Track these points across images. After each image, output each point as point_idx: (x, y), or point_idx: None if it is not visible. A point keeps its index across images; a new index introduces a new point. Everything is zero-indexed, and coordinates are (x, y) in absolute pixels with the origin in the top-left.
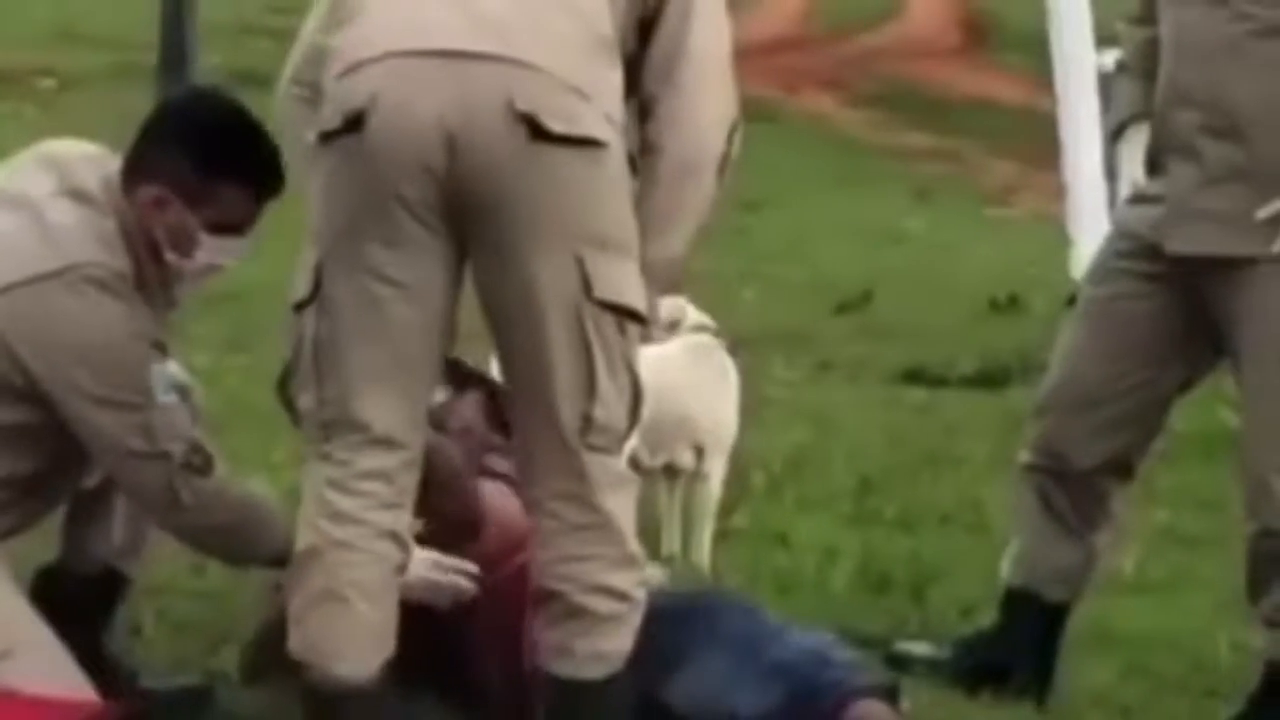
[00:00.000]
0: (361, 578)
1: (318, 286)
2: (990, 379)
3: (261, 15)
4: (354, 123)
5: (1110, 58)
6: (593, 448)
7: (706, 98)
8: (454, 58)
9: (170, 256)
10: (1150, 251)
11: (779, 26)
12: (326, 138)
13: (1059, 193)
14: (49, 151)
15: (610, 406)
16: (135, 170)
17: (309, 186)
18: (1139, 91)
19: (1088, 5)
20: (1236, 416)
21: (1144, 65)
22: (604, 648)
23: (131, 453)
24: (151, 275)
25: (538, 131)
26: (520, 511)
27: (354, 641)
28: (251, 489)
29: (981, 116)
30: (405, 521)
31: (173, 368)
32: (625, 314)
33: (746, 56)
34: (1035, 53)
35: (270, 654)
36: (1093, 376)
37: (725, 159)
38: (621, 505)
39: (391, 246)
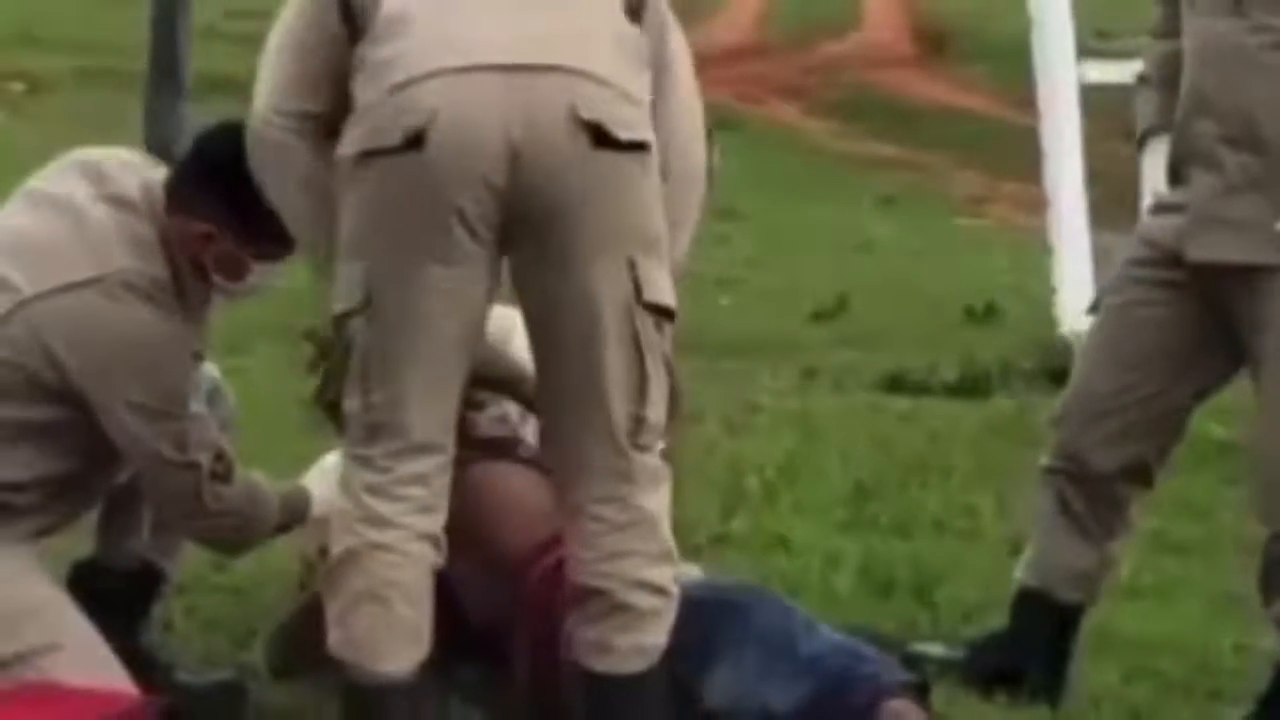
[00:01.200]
0: (401, 578)
1: (368, 298)
2: (972, 388)
3: (220, 20)
4: (414, 140)
5: (1091, 70)
6: (640, 448)
7: (692, 108)
8: (513, 71)
9: (218, 279)
10: (1170, 260)
11: (737, 35)
12: (378, 154)
13: (1025, 203)
14: (87, 157)
15: (657, 406)
16: (181, 207)
17: (310, 205)
18: (1160, 103)
19: (1069, 19)
20: (1222, 428)
21: (1165, 77)
22: (644, 642)
23: (163, 460)
24: (190, 285)
25: (600, 139)
26: (548, 503)
27: (394, 640)
28: (252, 478)
29: (943, 126)
30: (441, 523)
31: (206, 369)
32: (665, 314)
33: (707, 65)
34: (992, 62)
35: (296, 650)
36: (1108, 385)
37: (711, 167)
38: (660, 502)
39: (446, 263)
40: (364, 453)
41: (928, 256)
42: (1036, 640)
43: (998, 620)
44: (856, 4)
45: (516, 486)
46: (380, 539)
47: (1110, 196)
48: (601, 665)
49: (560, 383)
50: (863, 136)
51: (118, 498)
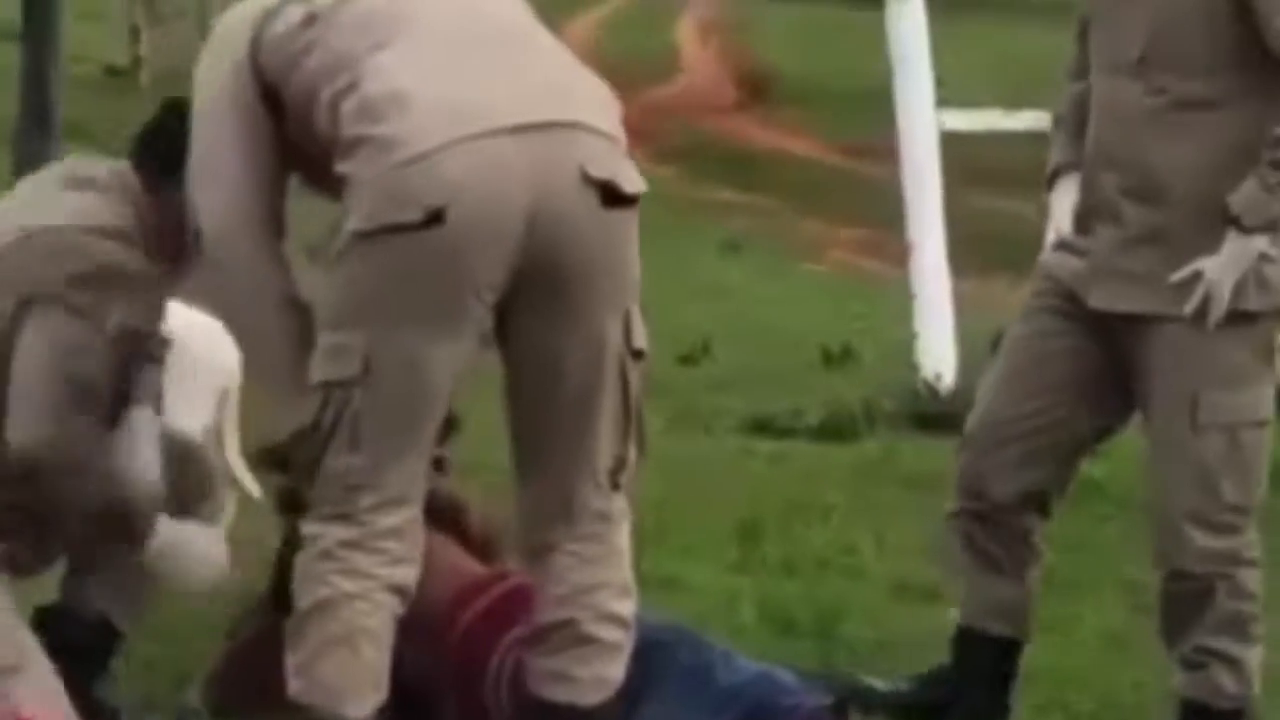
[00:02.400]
0: (370, 625)
1: (367, 368)
2: (838, 430)
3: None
4: (435, 216)
5: (950, 118)
6: (617, 486)
7: None
8: (521, 132)
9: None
10: (1070, 294)
11: None
12: (393, 230)
13: (866, 248)
14: (71, 164)
15: (633, 446)
16: (156, 182)
17: (292, 323)
18: (1070, 143)
19: (929, 67)
20: (1093, 467)
21: (1076, 117)
22: (605, 674)
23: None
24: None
25: (608, 196)
26: (457, 558)
27: (359, 684)
28: None
29: (778, 171)
30: (413, 575)
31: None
32: (642, 357)
33: None
34: (813, 107)
35: (234, 691)
36: (1011, 411)
37: None
38: (626, 538)
39: (455, 335)
40: (342, 510)
41: (780, 301)
42: (974, 674)
43: (899, 657)
44: (672, 49)
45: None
46: (355, 589)
47: (962, 244)
48: (563, 696)
49: (554, 427)
50: (704, 181)
51: (84, 552)
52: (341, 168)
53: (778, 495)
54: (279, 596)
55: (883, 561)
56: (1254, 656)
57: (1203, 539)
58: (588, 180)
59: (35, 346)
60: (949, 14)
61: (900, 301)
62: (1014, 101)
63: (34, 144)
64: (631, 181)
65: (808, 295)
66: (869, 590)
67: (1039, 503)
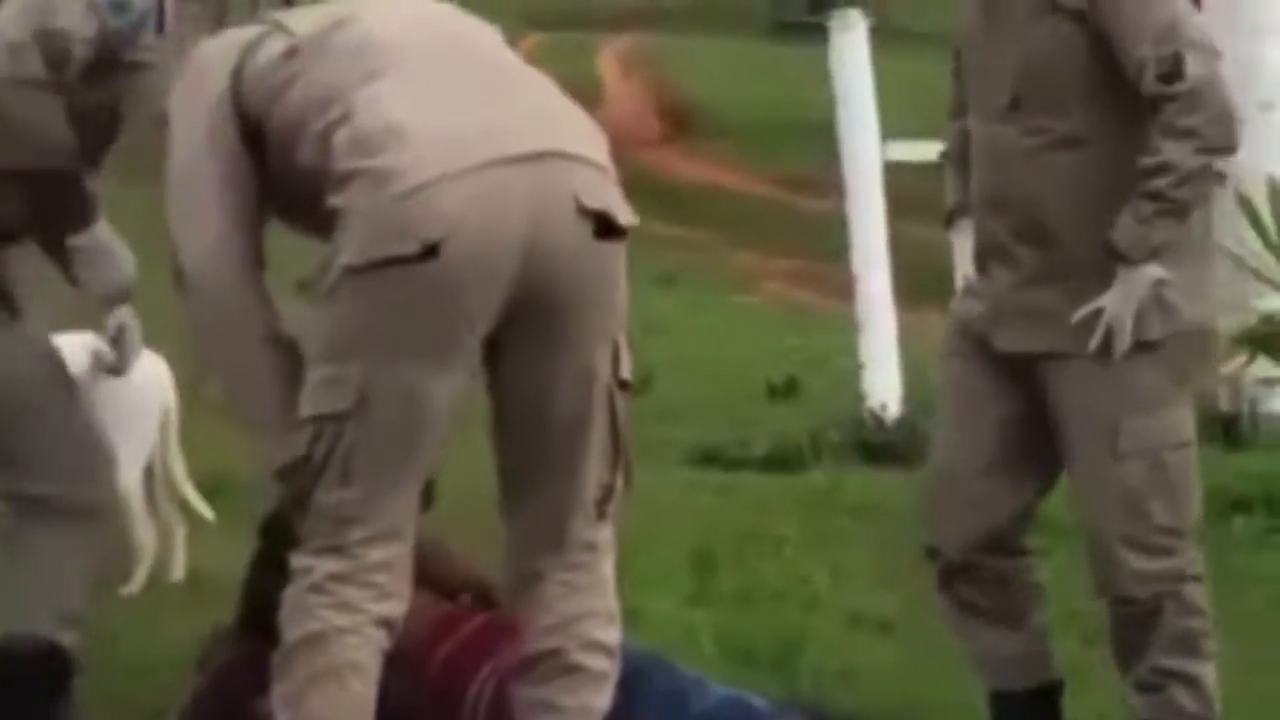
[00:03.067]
0: (359, 659)
1: (362, 401)
2: (785, 461)
3: None
4: (431, 249)
5: (895, 150)
6: (604, 516)
7: None
8: (519, 162)
9: None
10: (980, 338)
11: None
12: (388, 263)
13: (799, 279)
14: None
15: (620, 474)
16: None
17: (277, 359)
18: (961, 182)
19: (873, 99)
20: None
21: (962, 156)
22: (591, 703)
23: None
24: None
25: (602, 227)
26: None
27: (347, 717)
28: None
29: (707, 203)
30: (401, 610)
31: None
32: (628, 387)
33: None
34: (736, 139)
35: None
36: (947, 465)
37: None
38: (611, 567)
39: (449, 366)
40: (333, 543)
41: (718, 333)
42: None
43: (861, 687)
44: (593, 81)
45: None
46: (344, 623)
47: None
48: None
49: (543, 457)
50: (638, 214)
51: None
52: (334, 201)
53: (729, 526)
54: (247, 625)
55: (837, 592)
56: (1210, 673)
57: (1138, 562)
58: (583, 211)
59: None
60: (888, 47)
61: (840, 332)
62: None
63: None
64: (624, 213)
65: (745, 327)
66: (826, 621)
67: (1001, 546)
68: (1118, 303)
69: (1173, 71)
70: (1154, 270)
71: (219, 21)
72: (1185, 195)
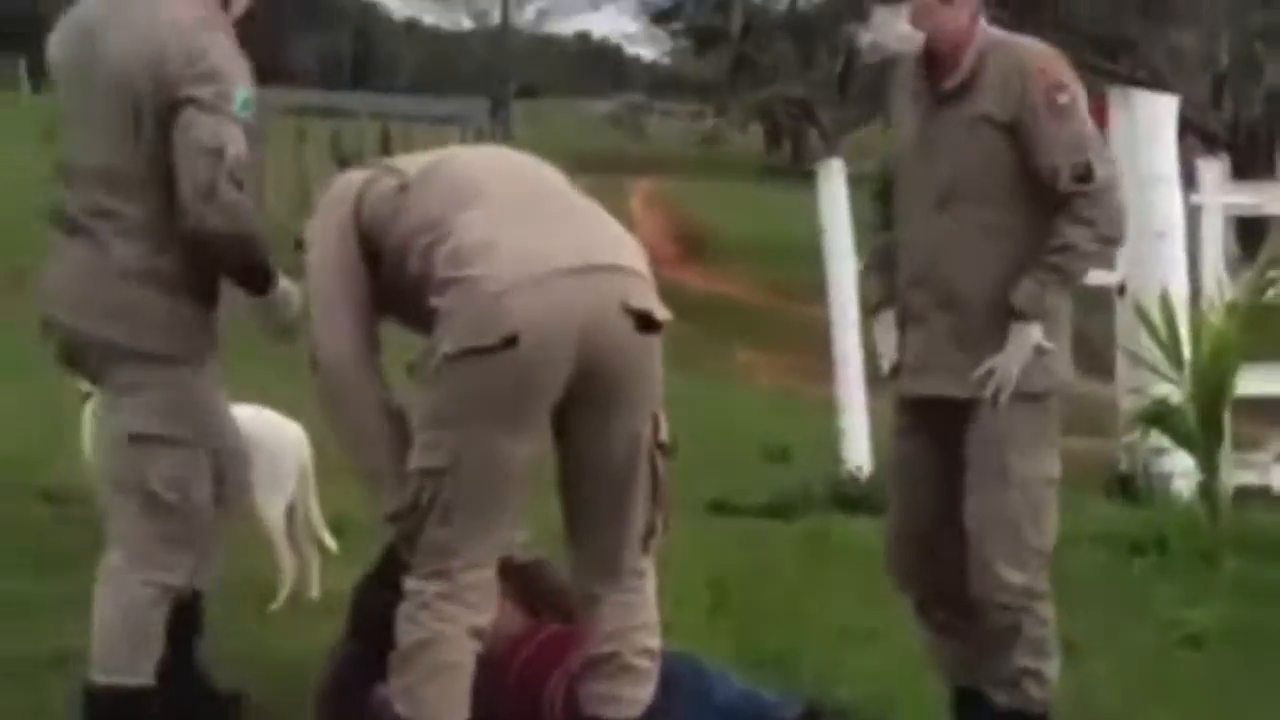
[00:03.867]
0: (459, 660)
1: (457, 460)
2: (781, 510)
3: None
4: (510, 340)
5: None
6: (648, 549)
7: None
8: (578, 274)
9: None
10: (914, 406)
11: None
12: (476, 352)
13: (791, 370)
14: None
15: (660, 516)
16: None
17: (389, 427)
18: (882, 284)
19: (849, 223)
20: None
21: (883, 263)
22: (641, 695)
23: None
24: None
25: (644, 323)
26: (514, 611)
27: (451, 703)
28: None
29: (717, 309)
30: (489, 620)
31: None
32: (665, 449)
33: None
34: (744, 259)
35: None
36: (897, 529)
37: None
38: (654, 587)
39: (524, 434)
40: (439, 567)
41: (726, 411)
42: None
43: (854, 683)
44: (626, 212)
45: None
46: (447, 632)
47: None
48: (611, 713)
49: (600, 504)
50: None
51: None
52: (435, 302)
53: (738, 560)
54: (355, 632)
55: (827, 611)
56: (1053, 669)
57: (1010, 576)
58: (628, 311)
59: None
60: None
61: (823, 410)
62: None
63: None
64: (660, 311)
65: (747, 406)
66: (819, 633)
67: (952, 594)
68: (1007, 360)
69: (1085, 175)
70: (1038, 332)
71: None
72: (1076, 270)
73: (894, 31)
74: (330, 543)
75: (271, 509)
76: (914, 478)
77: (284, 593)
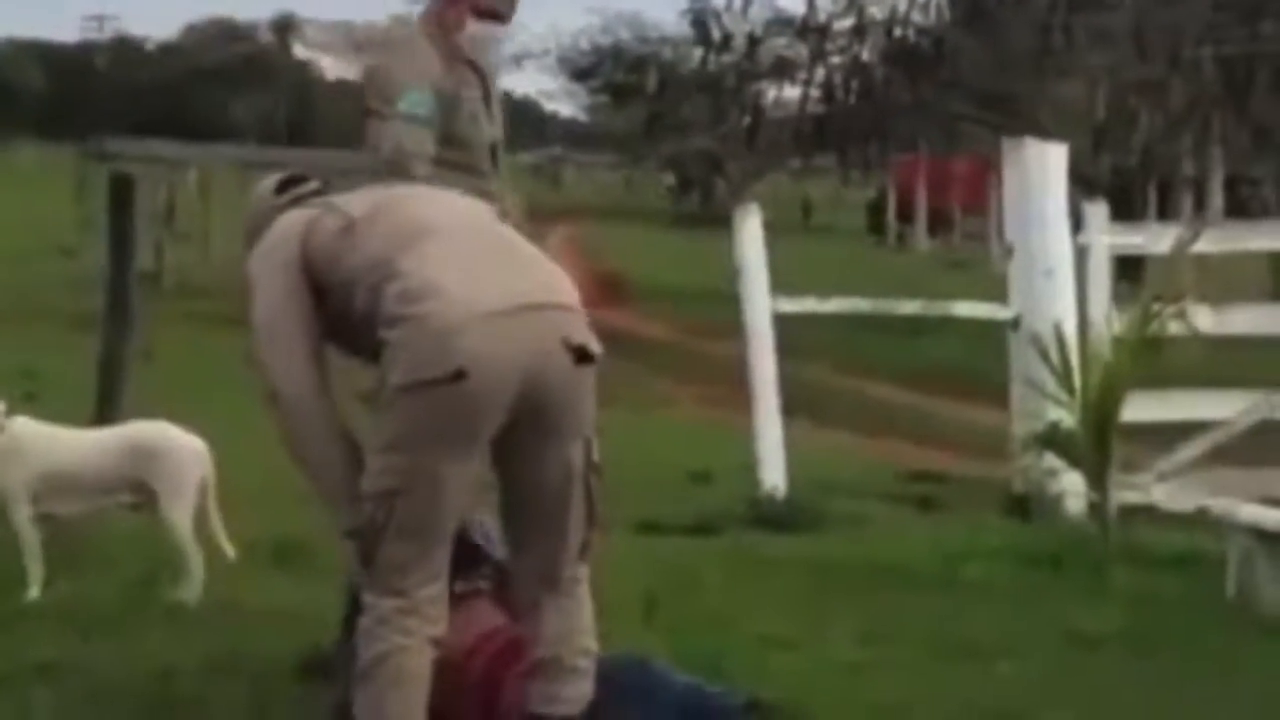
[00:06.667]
0: (417, 670)
1: (410, 482)
2: (705, 528)
3: None
4: (458, 374)
5: (784, 303)
6: (583, 559)
7: None
8: (521, 311)
9: None
10: None
11: None
12: (426, 384)
13: (706, 400)
14: None
15: (592, 530)
16: None
17: (343, 451)
18: None
19: (764, 265)
20: None
21: None
22: (580, 694)
23: None
24: None
25: (582, 356)
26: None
27: (412, 710)
28: None
29: (636, 347)
30: (443, 629)
31: None
32: (597, 469)
33: None
34: (659, 301)
35: None
36: None
37: None
38: (588, 594)
39: (469, 458)
40: (397, 585)
41: (650, 438)
42: None
43: (776, 684)
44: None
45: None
46: (405, 643)
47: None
48: (551, 710)
49: (539, 519)
50: None
51: None
52: (385, 335)
53: (666, 574)
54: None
55: (751, 621)
56: None
57: None
58: (567, 346)
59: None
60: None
61: (741, 437)
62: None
63: (114, 327)
64: (595, 345)
65: (670, 434)
66: (742, 640)
67: None
68: None
69: None
70: None
71: None
72: None
73: None
74: (230, 551)
75: (179, 515)
76: None
77: (196, 594)
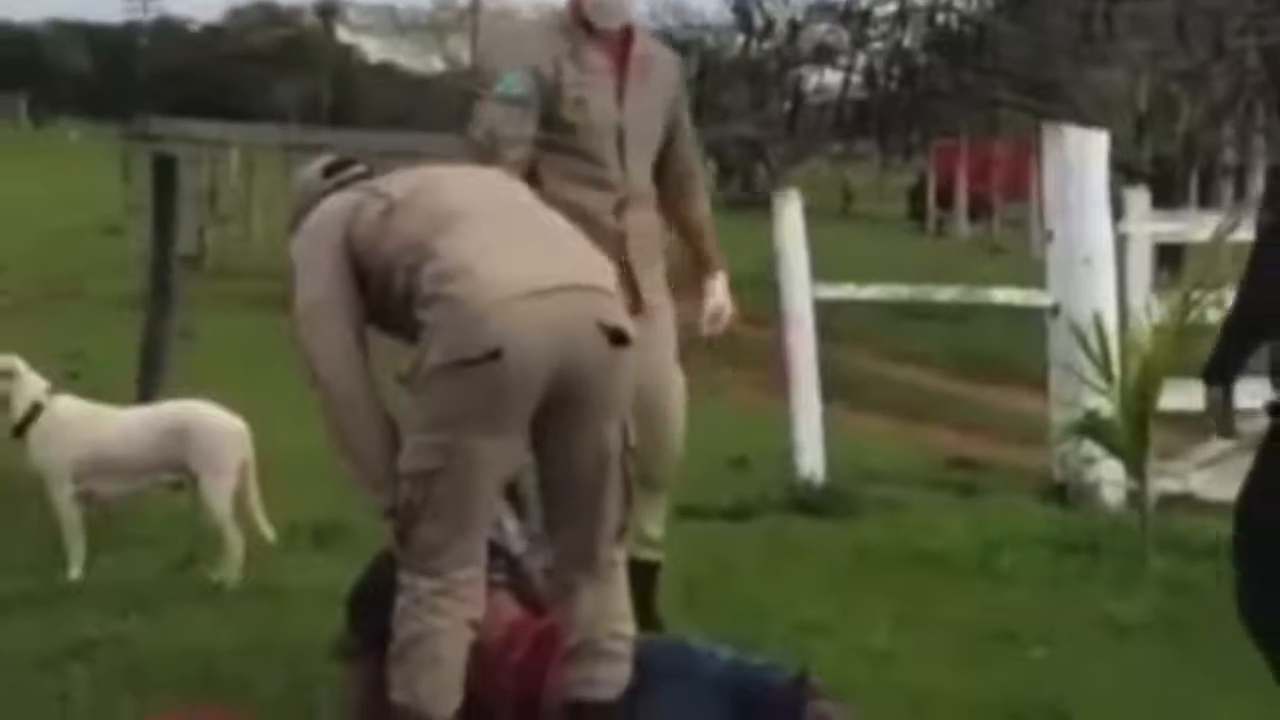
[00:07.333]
0: (452, 652)
1: (450, 460)
2: (743, 514)
3: None
4: (494, 354)
5: (823, 289)
6: (619, 543)
7: None
8: (556, 292)
9: None
10: None
11: None
12: (463, 364)
13: (757, 386)
14: None
15: (627, 514)
16: None
17: (381, 435)
18: None
19: (805, 250)
20: None
21: None
22: (617, 677)
23: None
24: None
25: (616, 338)
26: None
27: (445, 691)
28: None
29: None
30: (480, 612)
31: None
32: (633, 451)
33: None
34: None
35: None
36: None
37: None
38: (624, 578)
39: (507, 438)
40: (432, 565)
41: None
42: None
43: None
44: None
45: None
46: (442, 625)
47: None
48: (587, 694)
49: (577, 501)
50: None
51: None
52: (422, 315)
53: (706, 559)
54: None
55: (787, 606)
56: None
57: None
58: (602, 327)
59: None
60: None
61: (778, 423)
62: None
63: (156, 307)
64: (630, 327)
65: (711, 422)
66: (780, 625)
67: None
68: None
69: None
70: None
71: None
72: None
73: None
74: (269, 532)
75: (218, 496)
76: None
77: (235, 574)
